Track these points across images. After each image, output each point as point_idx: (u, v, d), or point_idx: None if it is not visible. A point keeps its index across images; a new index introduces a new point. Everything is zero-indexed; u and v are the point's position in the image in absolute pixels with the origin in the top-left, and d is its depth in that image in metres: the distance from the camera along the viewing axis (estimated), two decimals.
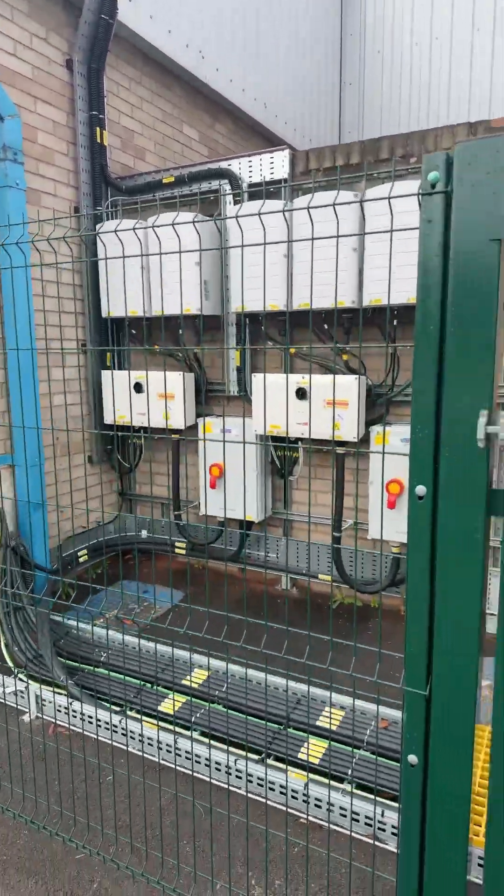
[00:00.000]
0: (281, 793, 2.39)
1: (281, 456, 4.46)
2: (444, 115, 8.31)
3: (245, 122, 6.72)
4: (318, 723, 2.71)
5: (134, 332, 4.70)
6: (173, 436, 4.61)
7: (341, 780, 2.46)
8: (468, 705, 1.35)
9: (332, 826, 2.29)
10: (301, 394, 3.94)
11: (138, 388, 4.43)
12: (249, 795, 2.43)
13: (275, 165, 3.99)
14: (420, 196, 1.23)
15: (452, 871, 1.43)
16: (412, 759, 1.42)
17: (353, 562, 4.47)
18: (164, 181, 4.40)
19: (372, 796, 2.32)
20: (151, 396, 4.41)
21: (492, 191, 1.16)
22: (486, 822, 1.36)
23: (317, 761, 2.42)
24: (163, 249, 3.89)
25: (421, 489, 1.35)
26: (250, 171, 4.09)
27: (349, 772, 2.44)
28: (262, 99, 6.88)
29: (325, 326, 4.01)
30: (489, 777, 1.34)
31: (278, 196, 4.09)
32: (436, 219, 1.22)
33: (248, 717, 2.75)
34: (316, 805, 2.33)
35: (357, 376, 3.88)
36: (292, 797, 2.35)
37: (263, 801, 2.14)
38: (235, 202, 4.15)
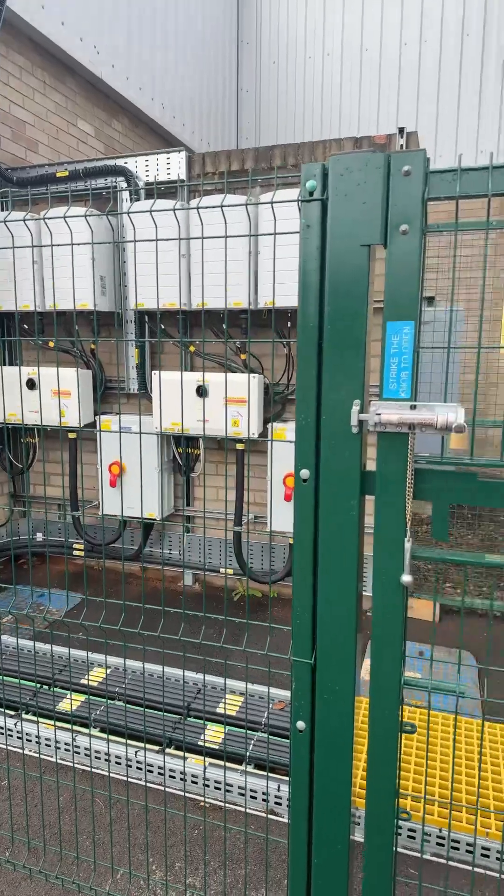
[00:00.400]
0: (181, 779, 2.44)
1: (182, 453, 4.50)
2: (336, 128, 8.71)
3: (142, 120, 6.69)
4: (217, 709, 2.78)
5: (26, 326, 4.57)
6: (70, 434, 4.53)
7: (241, 762, 2.55)
8: (349, 672, 1.47)
9: (232, 806, 2.37)
10: (201, 391, 4.01)
11: (31, 384, 4.31)
12: (151, 785, 2.46)
13: (171, 166, 4.03)
14: (300, 203, 1.33)
15: (337, 831, 1.55)
16: (300, 725, 1.53)
17: (252, 554, 4.59)
18: (58, 175, 4.31)
19: (271, 774, 2.43)
20: (45, 394, 4.31)
21: (362, 200, 1.28)
22: (366, 784, 1.49)
23: (216, 746, 2.50)
24: (55, 243, 3.82)
25: (305, 472, 1.46)
26: (147, 170, 4.11)
27: (247, 753, 2.54)
28: (160, 99, 6.89)
29: (224, 326, 4.10)
30: (367, 743, 1.47)
31: (176, 196, 4.14)
32: (313, 224, 1.34)
33: (148, 710, 2.78)
34: (216, 787, 2.40)
35: (255, 375, 4.00)
36: (192, 782, 2.41)
37: (165, 789, 2.19)
38: (133, 200, 4.15)
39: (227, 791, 2.39)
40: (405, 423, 1.31)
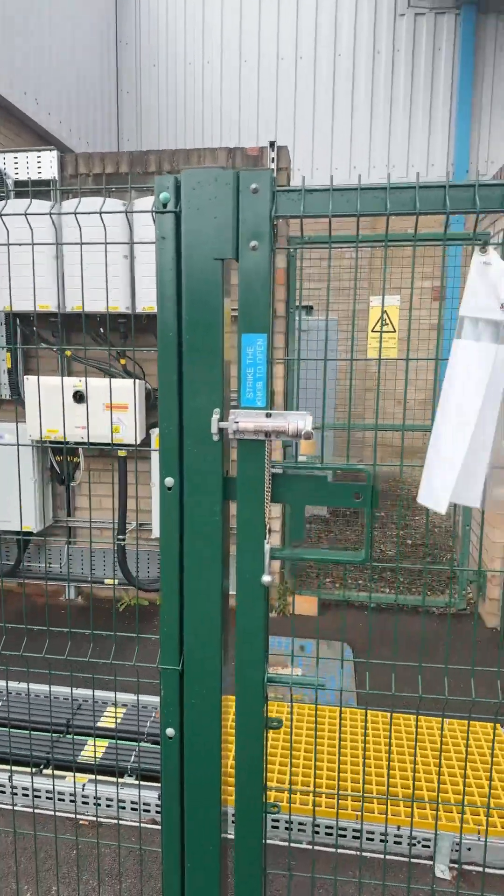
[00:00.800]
0: (59, 799, 2.36)
1: (60, 461, 4.36)
2: (218, 135, 8.81)
3: (16, 116, 6.42)
4: (98, 724, 2.72)
5: None
6: None
7: (123, 775, 2.51)
8: (215, 675, 1.50)
9: (111, 820, 2.33)
10: (78, 397, 3.90)
11: None
12: (24, 809, 2.36)
13: (42, 165, 3.90)
14: (153, 213, 1.35)
15: (208, 833, 1.57)
16: (170, 732, 1.54)
17: (139, 563, 4.54)
18: None
19: (153, 784, 2.41)
20: None
21: (213, 215, 1.32)
22: (235, 781, 1.52)
23: (93, 761, 2.44)
24: None
25: (169, 480, 1.47)
26: (16, 168, 3.94)
27: (117, 763, 2.50)
28: (34, 94, 6.64)
29: (101, 330, 4.02)
30: (235, 741, 1.51)
31: (48, 196, 4.00)
32: (168, 236, 1.35)
33: (23, 731, 2.67)
34: (96, 804, 2.35)
35: (135, 380, 3.96)
36: (71, 801, 2.35)
37: (34, 811, 2.11)
38: (1, 198, 3.97)
39: (108, 805, 2.35)
40: (261, 430, 1.36)
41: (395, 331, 3.56)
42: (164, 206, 1.34)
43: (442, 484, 1.24)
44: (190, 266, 1.34)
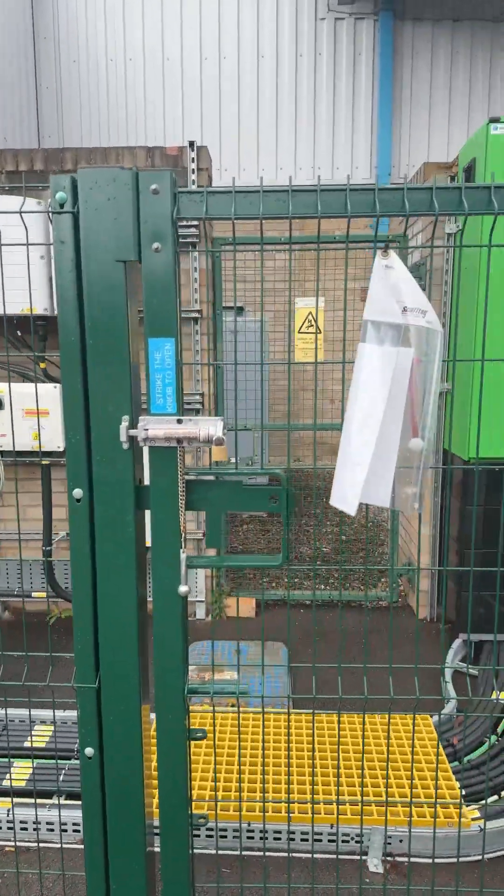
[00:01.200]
0: None
1: None
2: (142, 134, 8.68)
3: None
4: (24, 744, 2.62)
5: None
6: None
7: (51, 796, 2.42)
8: (133, 690, 1.45)
9: (36, 844, 2.24)
10: None
11: None
12: None
13: None
14: (50, 214, 1.29)
15: (132, 848, 1.52)
16: (89, 751, 1.48)
17: (67, 574, 4.40)
18: None
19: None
20: None
21: (113, 216, 1.27)
22: (158, 795, 1.48)
23: (12, 785, 2.34)
24: None
25: (78, 492, 1.42)
26: None
27: (55, 786, 2.42)
28: None
29: (19, 333, 3.88)
30: (156, 753, 1.47)
31: None
32: (67, 238, 1.30)
33: None
34: (22, 828, 2.25)
35: (57, 384, 3.84)
36: None
37: None
38: None
39: (35, 829, 2.26)
40: (172, 437, 1.33)
41: (320, 332, 3.60)
42: (62, 206, 1.28)
43: (352, 486, 1.24)
44: (90, 268, 1.29)
